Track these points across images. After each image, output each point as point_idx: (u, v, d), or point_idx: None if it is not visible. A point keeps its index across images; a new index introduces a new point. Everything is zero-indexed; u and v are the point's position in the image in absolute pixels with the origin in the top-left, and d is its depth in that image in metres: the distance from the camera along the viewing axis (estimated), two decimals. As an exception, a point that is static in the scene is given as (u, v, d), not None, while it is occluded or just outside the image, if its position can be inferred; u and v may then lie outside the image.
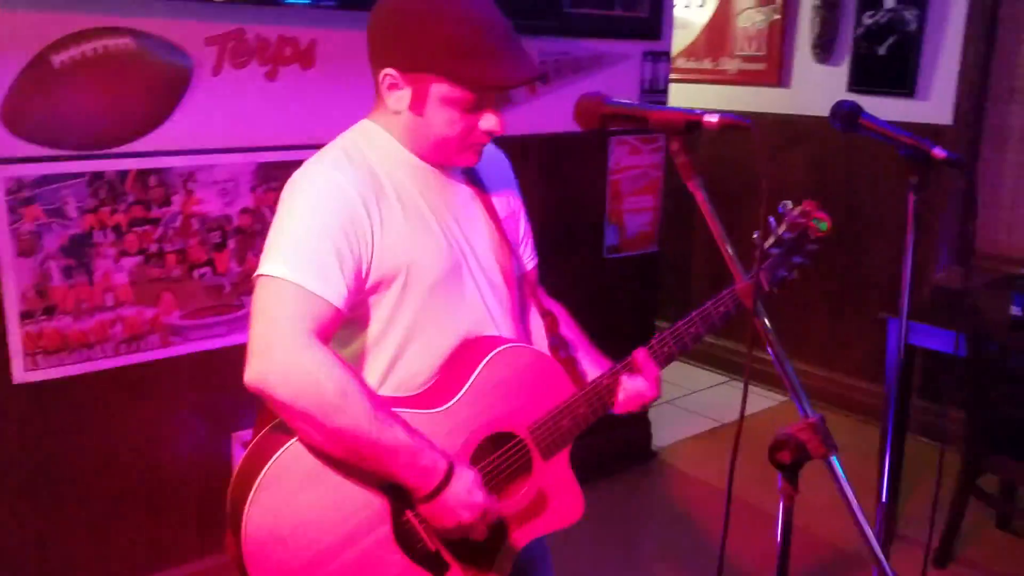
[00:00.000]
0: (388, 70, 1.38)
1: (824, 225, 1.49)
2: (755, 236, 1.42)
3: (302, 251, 1.31)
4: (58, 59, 2.14)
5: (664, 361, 1.52)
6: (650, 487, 3.60)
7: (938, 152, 1.53)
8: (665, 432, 3.91)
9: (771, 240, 1.49)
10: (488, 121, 1.41)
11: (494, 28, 1.36)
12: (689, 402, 4.40)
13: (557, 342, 1.59)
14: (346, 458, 1.33)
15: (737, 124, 1.17)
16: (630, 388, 1.50)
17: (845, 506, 1.12)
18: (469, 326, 1.48)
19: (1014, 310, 2.87)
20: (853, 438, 3.94)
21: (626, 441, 3.67)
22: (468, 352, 1.47)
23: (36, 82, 2.12)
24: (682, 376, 4.69)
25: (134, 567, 2.50)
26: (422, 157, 1.46)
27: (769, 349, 1.18)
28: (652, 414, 3.83)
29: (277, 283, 1.30)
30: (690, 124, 1.21)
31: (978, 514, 3.20)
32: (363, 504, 1.37)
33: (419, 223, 1.43)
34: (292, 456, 1.33)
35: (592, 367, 1.58)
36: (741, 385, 4.15)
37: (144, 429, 2.46)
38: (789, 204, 1.50)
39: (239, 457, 1.38)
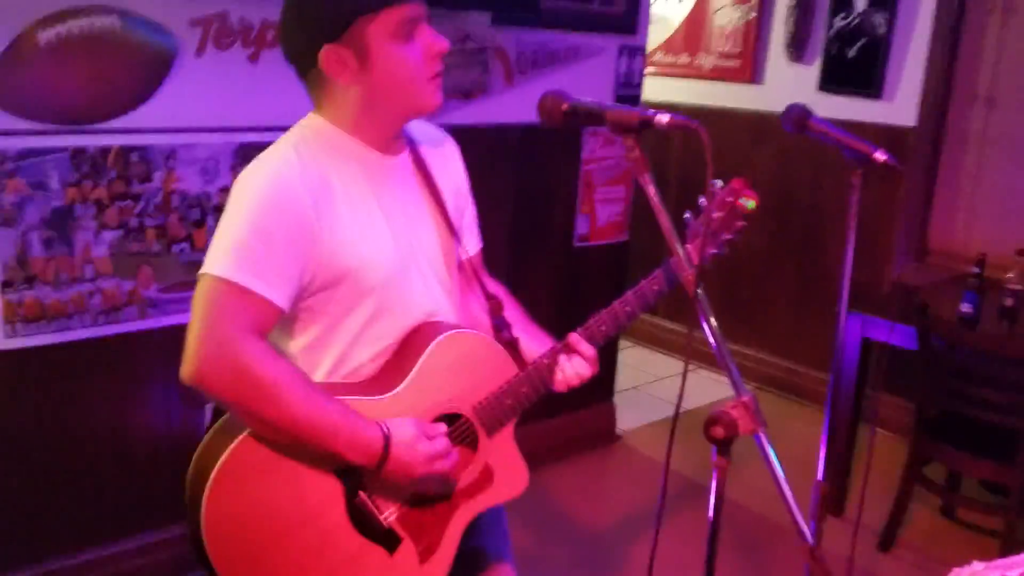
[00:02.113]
0: (323, 47, 1.38)
1: (751, 203, 1.51)
2: (686, 216, 1.49)
3: (245, 251, 1.32)
4: (45, 36, 2.19)
5: (601, 340, 1.57)
6: (612, 469, 3.71)
7: (879, 155, 1.60)
8: (629, 417, 4.02)
9: (700, 219, 1.52)
10: (430, 40, 1.42)
11: None
12: (655, 388, 4.51)
13: (500, 324, 1.63)
14: (291, 443, 1.37)
15: (686, 125, 1.25)
16: (568, 368, 1.55)
17: (771, 477, 1.22)
18: (416, 318, 1.52)
19: (964, 307, 2.99)
20: (813, 427, 4.07)
21: (591, 425, 3.78)
22: (414, 339, 1.50)
23: (23, 58, 2.17)
24: (649, 363, 4.81)
25: (106, 534, 2.57)
26: (385, 125, 1.46)
27: (706, 329, 1.27)
28: (617, 399, 3.94)
29: (217, 282, 1.32)
30: (643, 123, 1.30)
31: (925, 502, 3.33)
32: (317, 487, 1.41)
33: (367, 221, 1.45)
34: (247, 445, 1.36)
35: (534, 347, 1.63)
36: (707, 374, 4.29)
37: (119, 397, 2.52)
38: (719, 184, 1.54)
39: (209, 428, 1.44)
